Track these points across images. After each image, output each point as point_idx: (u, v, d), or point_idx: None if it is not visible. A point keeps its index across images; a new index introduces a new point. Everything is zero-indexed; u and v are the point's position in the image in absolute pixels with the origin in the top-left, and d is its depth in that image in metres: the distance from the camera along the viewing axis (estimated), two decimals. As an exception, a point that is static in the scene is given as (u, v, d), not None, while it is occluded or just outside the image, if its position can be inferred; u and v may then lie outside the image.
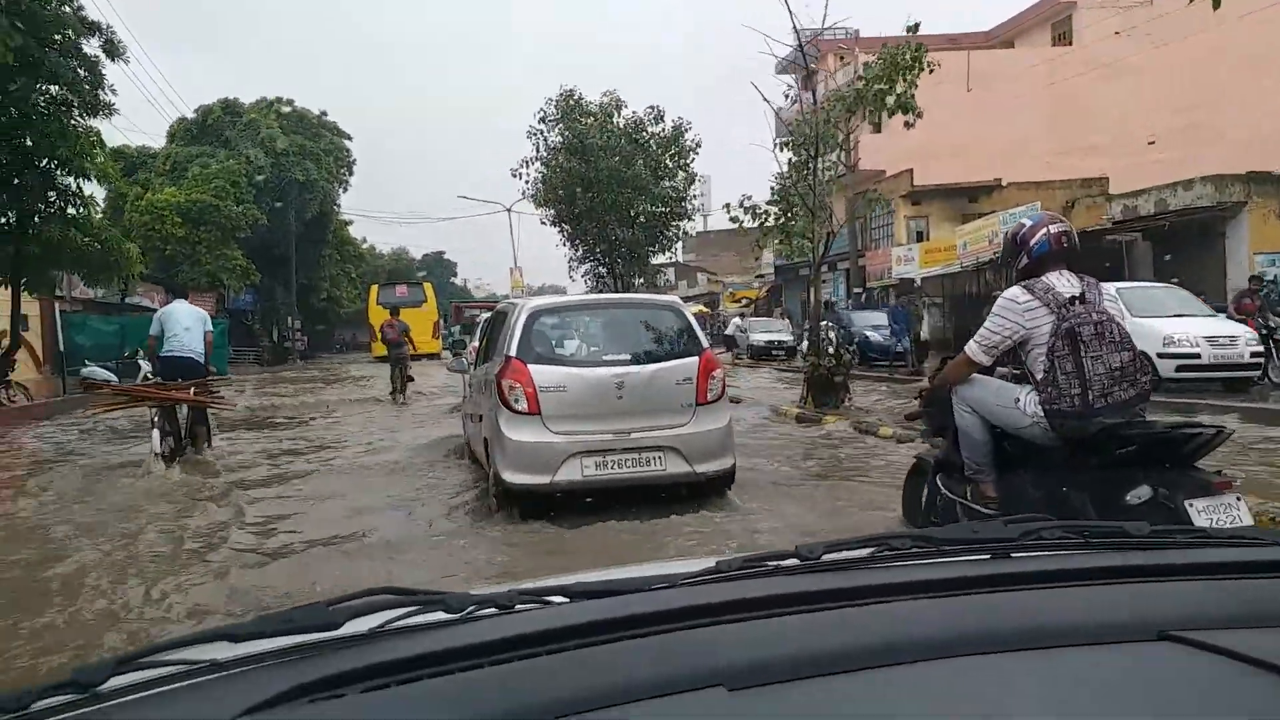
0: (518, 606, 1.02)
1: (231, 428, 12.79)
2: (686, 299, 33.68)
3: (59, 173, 15.27)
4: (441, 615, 0.98)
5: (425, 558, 5.62)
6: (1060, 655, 0.91)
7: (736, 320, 34.94)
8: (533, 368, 6.36)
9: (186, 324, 9.72)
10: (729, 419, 6.87)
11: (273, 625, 0.96)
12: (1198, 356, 12.64)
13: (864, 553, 1.20)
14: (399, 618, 0.98)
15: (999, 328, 4.08)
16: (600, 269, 24.25)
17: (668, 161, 22.99)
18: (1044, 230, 4.14)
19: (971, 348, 4.23)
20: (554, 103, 22.98)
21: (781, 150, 13.77)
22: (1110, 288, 14.17)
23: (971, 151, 28.44)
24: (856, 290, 30.56)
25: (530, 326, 6.62)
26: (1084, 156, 28.00)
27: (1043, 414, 3.95)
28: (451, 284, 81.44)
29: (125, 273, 17.43)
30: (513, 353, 6.44)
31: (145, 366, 13.09)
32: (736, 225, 14.71)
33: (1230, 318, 14.19)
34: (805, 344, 21.86)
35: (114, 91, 15.47)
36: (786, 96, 17.40)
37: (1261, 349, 13.10)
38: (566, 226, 23.85)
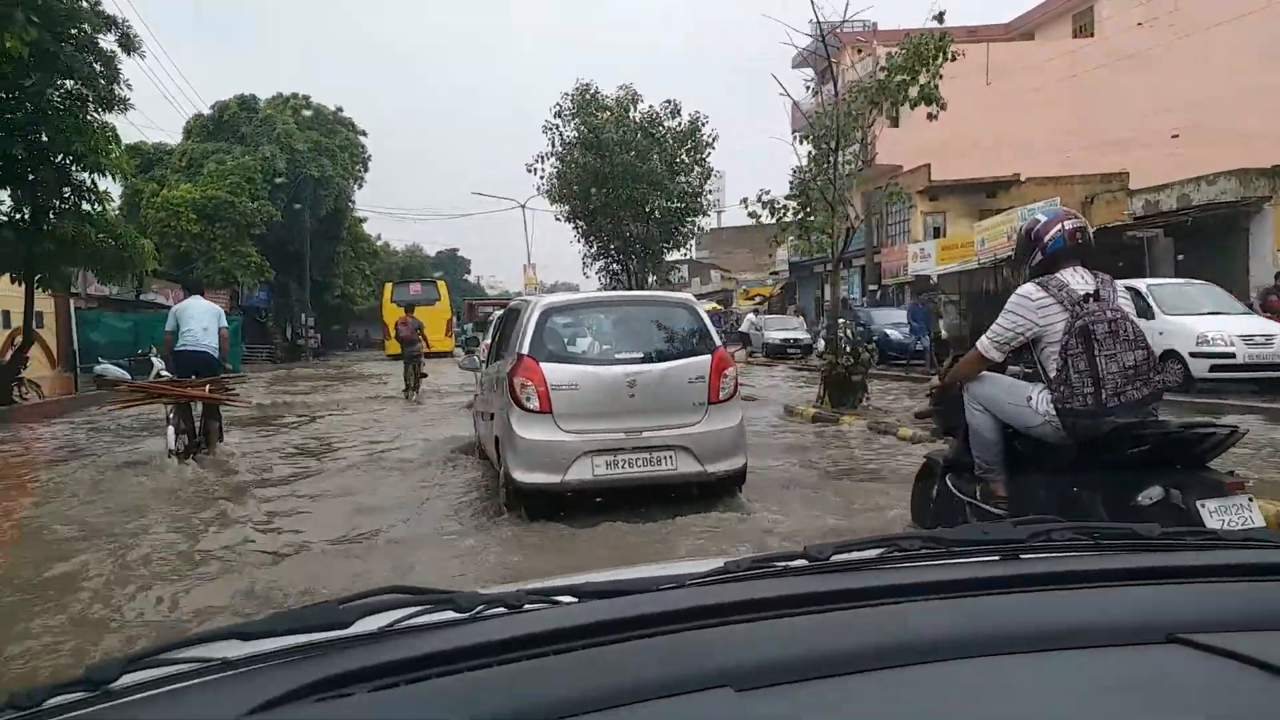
0: (526, 606, 1.02)
1: (245, 425, 12.77)
2: (700, 296, 33.57)
3: (74, 168, 15.22)
4: (450, 614, 0.99)
5: (435, 557, 5.60)
6: (1069, 657, 0.90)
7: (751, 317, 34.62)
8: (545, 366, 6.31)
9: (202, 320, 9.73)
10: (741, 418, 6.79)
11: (283, 624, 0.96)
12: (1232, 356, 12.36)
13: (873, 553, 1.20)
14: (408, 617, 0.99)
15: (1011, 324, 4.04)
16: (614, 266, 24.09)
17: (684, 156, 22.78)
18: (1058, 226, 4.09)
19: (983, 344, 4.18)
20: (570, 97, 22.82)
21: (801, 143, 13.56)
22: (1141, 284, 13.92)
23: (990, 146, 28.16)
24: (872, 287, 30.30)
25: (543, 324, 6.56)
26: (1104, 151, 27.66)
27: (1055, 412, 3.91)
28: (465, 281, 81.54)
29: (139, 269, 17.37)
30: (525, 351, 6.39)
31: (158, 364, 13.03)
32: (754, 221, 14.46)
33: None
34: (821, 342, 21.69)
35: (129, 87, 15.46)
36: (808, 88, 17.18)
37: None
38: (581, 223, 23.71)
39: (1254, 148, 22.38)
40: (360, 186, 46.06)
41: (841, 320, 13.74)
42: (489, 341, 10.12)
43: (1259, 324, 12.97)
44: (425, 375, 17.83)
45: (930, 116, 12.18)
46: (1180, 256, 19.11)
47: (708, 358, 6.58)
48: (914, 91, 11.99)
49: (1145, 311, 13.23)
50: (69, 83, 14.59)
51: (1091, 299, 3.90)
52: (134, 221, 26.21)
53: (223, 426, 10.35)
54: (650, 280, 23.77)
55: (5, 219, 15.46)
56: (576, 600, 1.05)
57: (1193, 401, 11.50)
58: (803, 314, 34.37)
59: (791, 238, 14.64)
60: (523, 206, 41.57)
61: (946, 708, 0.84)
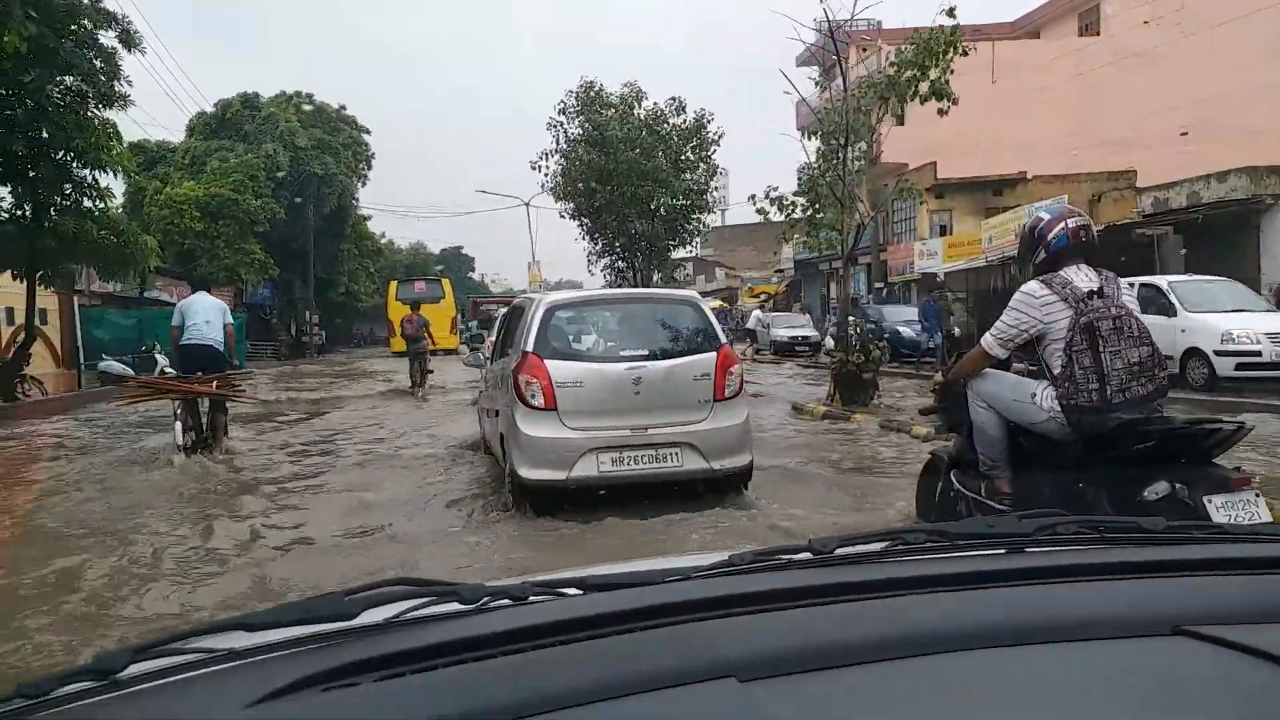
0: (531, 598, 1.02)
1: (252, 421, 12.76)
2: (704, 294, 33.43)
3: (75, 165, 15.17)
4: (456, 606, 0.99)
5: (440, 553, 5.61)
6: (1075, 649, 0.90)
7: (758, 313, 34.40)
8: (549, 363, 6.30)
9: (207, 315, 9.76)
10: (747, 415, 6.79)
11: (289, 615, 0.97)
12: (1258, 354, 12.17)
13: (877, 547, 1.20)
14: (414, 608, 0.98)
15: (1015, 322, 4.05)
16: (619, 263, 23.97)
17: (689, 154, 22.65)
18: (1062, 224, 4.09)
19: (987, 341, 4.20)
20: (574, 94, 22.71)
21: (809, 139, 13.45)
22: (1162, 281, 13.75)
23: (996, 144, 28.02)
24: (878, 285, 30.17)
25: (547, 321, 6.56)
26: (1109, 150, 27.52)
27: (1059, 409, 3.92)
28: (469, 279, 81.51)
29: (141, 266, 17.32)
30: (529, 348, 6.38)
31: (162, 360, 13.03)
32: (763, 217, 14.33)
33: None
34: (828, 339, 21.56)
35: (130, 83, 15.40)
36: (817, 84, 17.07)
37: None
38: (585, 220, 23.57)
39: (1260, 145, 22.25)
40: (364, 184, 46.03)
41: (852, 319, 13.62)
42: (493, 339, 10.09)
43: None
44: (431, 372, 17.87)
45: (941, 112, 12.04)
46: (1184, 251, 18.94)
47: (713, 355, 6.57)
48: (924, 87, 11.87)
49: (1167, 309, 13.07)
50: (69, 79, 14.53)
51: (1095, 296, 3.91)
52: (137, 219, 26.16)
53: (227, 422, 10.35)
54: (655, 278, 23.65)
55: (6, 215, 15.41)
56: (581, 592, 1.05)
57: (1213, 400, 11.36)
58: (808, 311, 34.25)
59: (800, 235, 14.53)
60: (526, 204, 41.44)
61: (951, 700, 0.84)
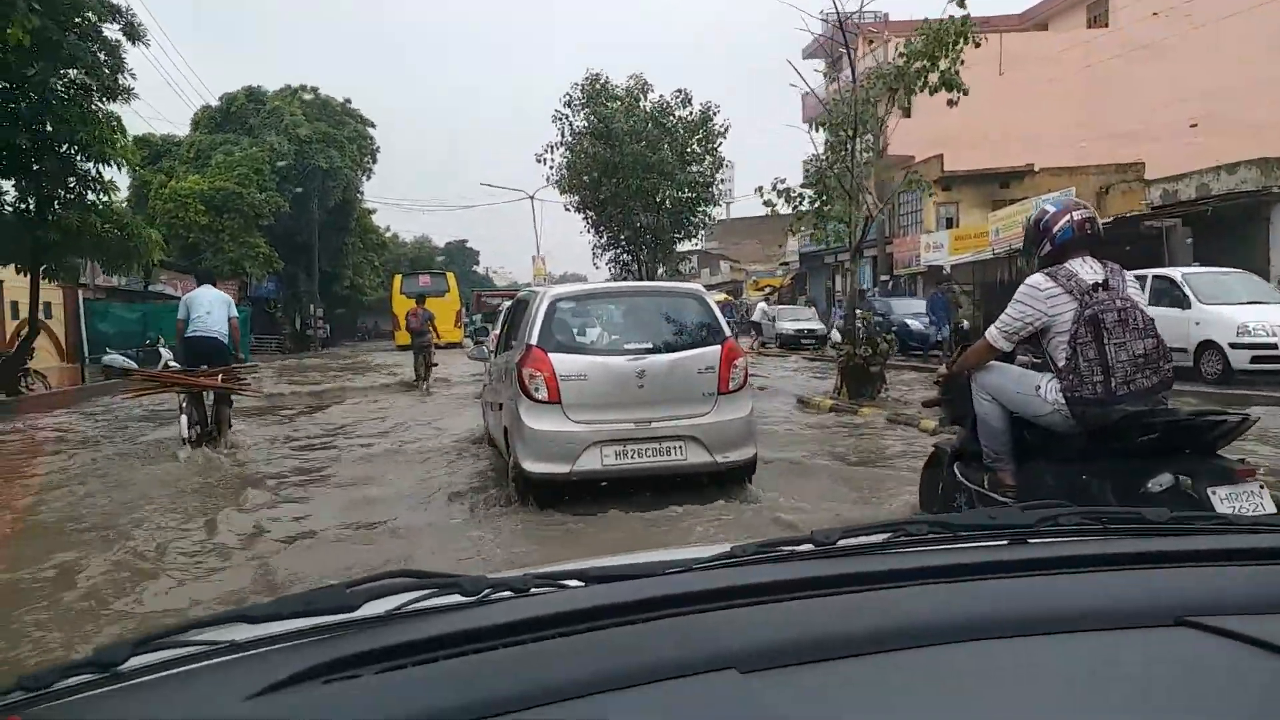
0: (533, 590, 1.02)
1: (257, 415, 12.74)
2: (709, 287, 33.27)
3: (79, 158, 15.10)
4: (457, 598, 0.98)
5: (444, 546, 5.62)
6: (1077, 641, 0.90)
7: (763, 306, 34.19)
8: (554, 356, 6.30)
9: (211, 308, 9.74)
10: (751, 408, 6.77)
11: (291, 607, 0.96)
12: (1274, 347, 12.06)
13: (879, 538, 1.19)
14: (415, 600, 0.98)
15: (1020, 314, 4.06)
16: (624, 256, 23.89)
17: (694, 146, 22.53)
18: (1067, 217, 4.10)
19: (992, 334, 4.20)
20: (580, 86, 22.60)
21: (817, 130, 13.34)
22: (1176, 273, 13.63)
23: (1003, 136, 27.90)
24: (884, 278, 30.03)
25: (551, 314, 6.55)
26: (1119, 141, 27.37)
27: (1064, 401, 3.92)
28: (474, 272, 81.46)
29: (145, 259, 17.23)
30: (533, 341, 6.37)
31: (165, 354, 13.00)
32: (770, 210, 14.22)
33: None
34: (834, 333, 21.46)
35: (133, 76, 15.30)
36: (825, 75, 16.96)
37: None
38: (591, 213, 23.50)
39: (1262, 138, 22.12)
40: (369, 178, 45.92)
41: (863, 311, 13.52)
42: (497, 332, 10.06)
43: None
44: (435, 365, 17.87)
45: (951, 103, 11.91)
46: (1189, 240, 18.81)
47: (717, 348, 6.55)
48: (934, 78, 11.74)
49: (1181, 301, 12.96)
50: (73, 72, 14.44)
51: (1100, 288, 3.90)
52: (142, 213, 26.13)
53: (231, 416, 10.34)
54: (660, 271, 23.57)
55: (10, 209, 15.35)
56: (583, 584, 1.04)
57: (1228, 393, 11.25)
58: (814, 304, 34.10)
59: (807, 228, 14.43)
60: (531, 197, 41.40)
61: (953, 691, 0.84)
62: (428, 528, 6.14)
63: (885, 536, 1.20)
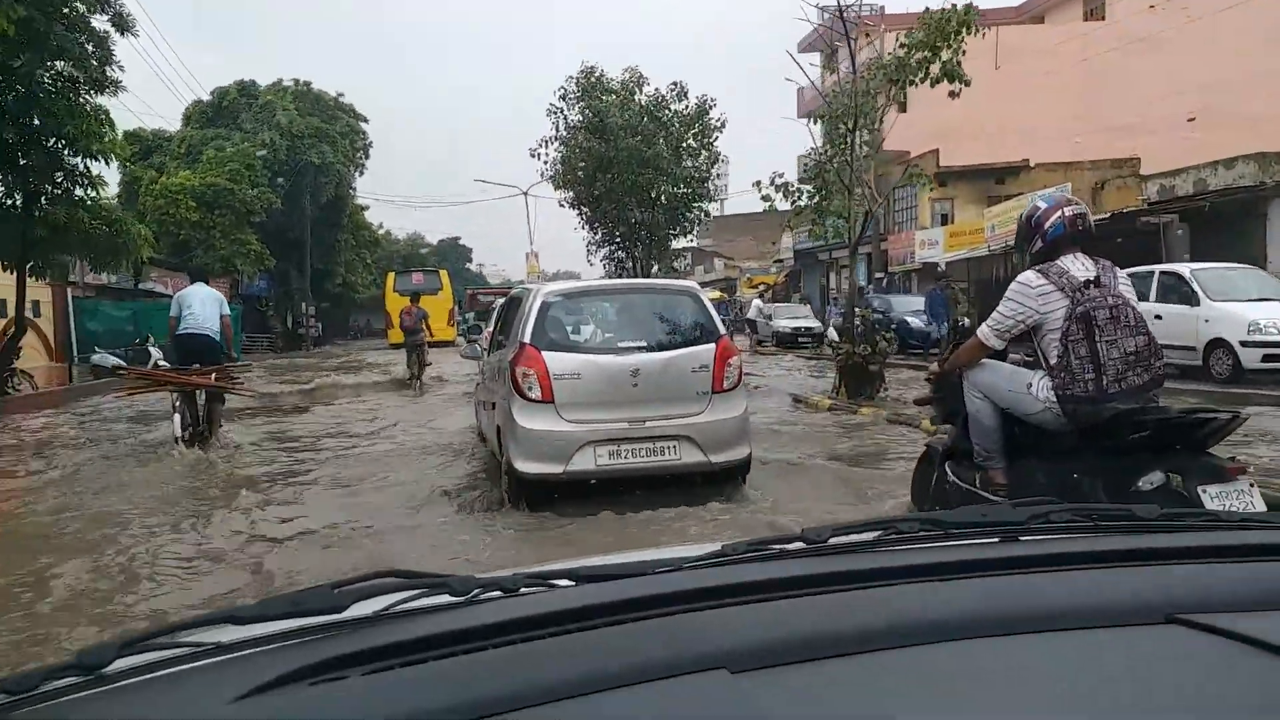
0: (522, 590, 1.01)
1: (249, 415, 12.66)
2: (703, 284, 33.11)
3: (66, 152, 14.84)
4: (446, 598, 0.98)
5: (436, 546, 5.61)
6: (1068, 638, 0.90)
7: (758, 303, 34.02)
8: (547, 354, 6.25)
9: (204, 305, 9.70)
10: (745, 407, 6.73)
11: (277, 608, 0.96)
12: None
13: (871, 536, 1.19)
14: (403, 601, 0.98)
15: (1011, 312, 4.07)
16: (619, 253, 23.69)
17: (690, 140, 22.31)
18: (1058, 213, 4.10)
19: (983, 331, 4.20)
20: (575, 80, 22.37)
21: (816, 123, 13.17)
22: (1184, 269, 13.52)
23: (999, 130, 27.82)
24: (878, 275, 29.89)
25: (544, 312, 6.51)
26: (1115, 135, 27.31)
27: (1055, 399, 3.93)
28: (466, 269, 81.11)
29: (134, 256, 16.98)
30: (526, 339, 6.32)
31: (155, 353, 12.80)
32: (768, 205, 14.03)
33: None
34: (831, 331, 21.30)
35: (122, 68, 15.06)
36: (824, 67, 16.80)
37: None
38: (585, 209, 23.28)
39: (1259, 132, 22.07)
40: (361, 174, 45.67)
41: (861, 309, 13.37)
42: (490, 330, 9.96)
43: None
44: (429, 365, 17.79)
45: (953, 94, 11.76)
46: (1180, 230, 18.71)
47: (711, 346, 6.50)
48: (936, 69, 11.57)
49: (1189, 298, 12.80)
50: (60, 64, 14.19)
51: (1092, 285, 3.91)
52: (132, 209, 25.84)
53: (222, 415, 10.27)
54: (654, 269, 23.39)
55: (-4, 205, 15.10)
56: (573, 584, 1.04)
57: (1238, 392, 11.10)
58: (808, 302, 33.96)
59: (806, 223, 14.27)
60: (525, 193, 41.20)
61: (944, 689, 0.84)
62: (418, 528, 6.10)
63: (876, 534, 1.19)
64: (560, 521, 5.96)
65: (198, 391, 9.54)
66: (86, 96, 14.66)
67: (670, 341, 6.58)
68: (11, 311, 16.13)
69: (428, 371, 17.62)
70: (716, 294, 40.56)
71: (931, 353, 19.65)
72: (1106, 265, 4.05)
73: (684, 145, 22.21)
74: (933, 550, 1.15)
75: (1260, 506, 3.64)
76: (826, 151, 12.84)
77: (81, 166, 15.17)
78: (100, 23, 14.67)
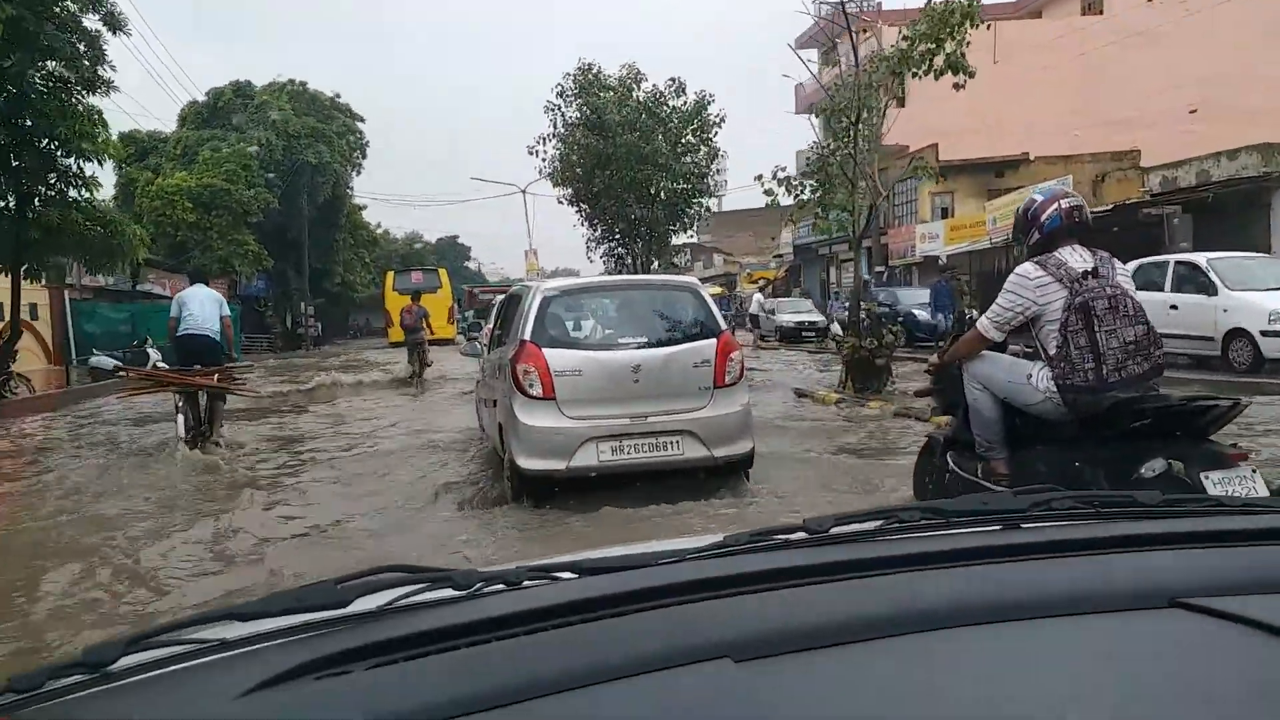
0: (525, 583, 1.01)
1: (250, 415, 12.60)
2: (703, 280, 32.99)
3: (59, 153, 14.75)
4: (449, 592, 0.98)
5: (439, 543, 5.61)
6: (1071, 624, 0.90)
7: (759, 298, 33.90)
8: (547, 351, 6.24)
9: (204, 306, 9.69)
10: (748, 401, 6.72)
11: (281, 604, 0.95)
12: None
13: (873, 525, 1.20)
14: (407, 595, 0.97)
15: (1010, 304, 4.09)
16: (619, 250, 23.56)
17: (689, 136, 22.17)
18: (1055, 205, 4.12)
19: (983, 324, 4.23)
20: (572, 77, 22.23)
21: (817, 117, 13.08)
22: (1200, 259, 13.42)
23: (999, 125, 27.76)
24: (879, 269, 29.78)
25: (544, 309, 6.51)
26: (1114, 128, 27.25)
27: (1055, 389, 3.95)
28: (465, 268, 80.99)
29: (129, 257, 16.88)
30: (527, 336, 6.31)
31: (154, 355, 12.74)
32: (770, 199, 13.93)
33: None
34: (834, 325, 21.18)
35: (114, 68, 14.96)
36: (821, 63, 16.69)
37: None
38: (584, 206, 23.14)
39: (1257, 124, 22.01)
40: (359, 173, 45.60)
41: (867, 302, 13.27)
42: (490, 327, 9.91)
43: None
44: (430, 364, 17.75)
45: (957, 86, 11.68)
46: (1176, 220, 18.62)
47: (713, 341, 6.50)
48: (939, 61, 11.47)
49: (1207, 288, 12.69)
50: (51, 64, 14.09)
51: (1090, 276, 3.93)
52: (128, 210, 25.75)
53: (223, 414, 10.22)
54: (654, 265, 23.26)
55: (-11, 207, 15.00)
56: (575, 576, 1.04)
57: (1231, 380, 11.00)
58: (809, 296, 33.85)
59: (809, 217, 14.18)
60: (523, 191, 41.12)
61: (946, 676, 0.84)
62: (422, 524, 6.11)
63: (878, 524, 1.19)
64: (564, 517, 5.95)
65: (200, 392, 9.55)
66: (78, 97, 14.59)
67: (671, 337, 6.57)
68: (8, 315, 16.03)
69: (428, 370, 17.59)
70: (717, 289, 40.45)
71: (939, 345, 19.49)
72: (1105, 256, 4.07)
73: (683, 141, 22.07)
74: (935, 539, 1.16)
75: (1263, 492, 3.64)
76: (829, 145, 12.74)
77: (75, 167, 15.11)
78: (91, 22, 14.61)
